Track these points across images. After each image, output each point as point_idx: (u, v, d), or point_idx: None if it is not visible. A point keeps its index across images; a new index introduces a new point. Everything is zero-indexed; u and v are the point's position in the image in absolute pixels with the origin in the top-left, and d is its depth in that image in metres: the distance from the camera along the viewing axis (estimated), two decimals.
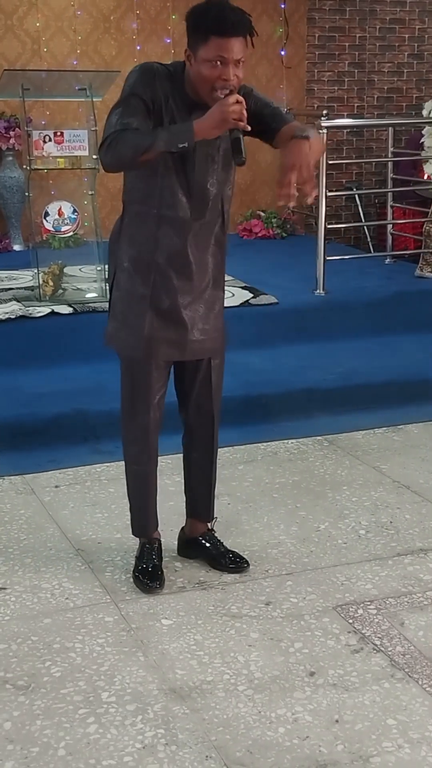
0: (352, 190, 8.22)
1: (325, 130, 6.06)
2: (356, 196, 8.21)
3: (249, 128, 2.78)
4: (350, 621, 3.06)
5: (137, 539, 3.37)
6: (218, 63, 2.77)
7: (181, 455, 3.44)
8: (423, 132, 6.63)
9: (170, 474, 3.91)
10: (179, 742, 2.49)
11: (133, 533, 3.37)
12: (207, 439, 3.35)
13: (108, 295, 3.21)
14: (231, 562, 3.37)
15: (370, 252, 7.77)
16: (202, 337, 3.13)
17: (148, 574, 3.25)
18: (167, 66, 2.96)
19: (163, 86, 2.88)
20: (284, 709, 2.63)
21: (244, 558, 3.39)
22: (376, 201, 8.40)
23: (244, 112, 2.74)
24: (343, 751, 2.47)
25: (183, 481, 3.45)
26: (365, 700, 2.67)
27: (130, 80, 2.90)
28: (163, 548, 3.37)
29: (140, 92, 2.85)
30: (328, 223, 6.27)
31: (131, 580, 3.28)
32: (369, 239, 8.23)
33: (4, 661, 2.84)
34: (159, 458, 3.31)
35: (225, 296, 3.27)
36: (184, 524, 3.49)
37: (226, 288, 3.27)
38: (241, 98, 2.76)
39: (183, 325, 3.08)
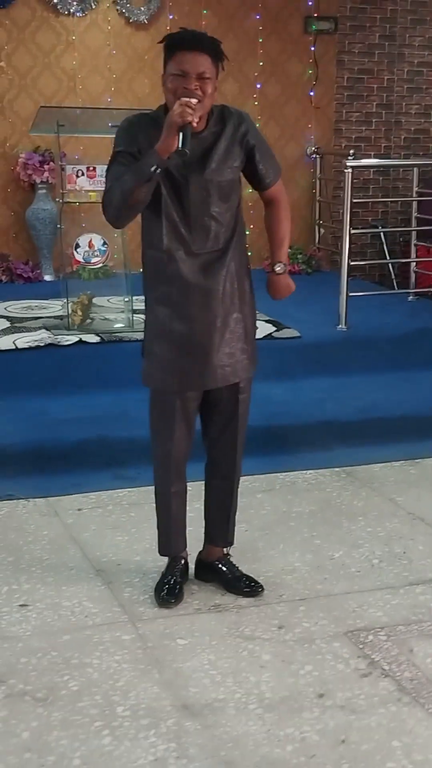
0: (377, 228, 8.35)
1: (350, 170, 6.22)
2: (381, 234, 8.34)
3: (196, 123, 2.93)
4: (360, 646, 3.14)
5: (162, 559, 3.50)
6: (181, 75, 2.96)
7: (202, 482, 3.55)
8: None
9: (189, 500, 4.00)
10: (190, 756, 2.58)
11: (159, 552, 3.49)
12: (228, 469, 3.46)
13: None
14: (246, 587, 3.47)
15: (394, 289, 7.89)
16: (226, 362, 3.23)
17: (166, 589, 3.38)
18: (149, 114, 3.17)
19: (144, 132, 3.07)
20: (293, 728, 2.71)
21: (258, 582, 3.49)
22: (401, 239, 8.53)
23: (186, 109, 2.88)
24: None
25: (203, 506, 3.55)
26: (372, 722, 2.74)
27: (114, 142, 3.13)
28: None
29: (123, 148, 3.08)
30: (352, 260, 6.40)
31: (150, 597, 3.40)
32: (393, 277, 8.34)
33: (24, 673, 2.95)
34: None
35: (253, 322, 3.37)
36: (201, 549, 3.59)
37: None
38: (184, 101, 2.89)
39: (204, 354, 3.19)
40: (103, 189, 3.14)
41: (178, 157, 2.96)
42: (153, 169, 2.93)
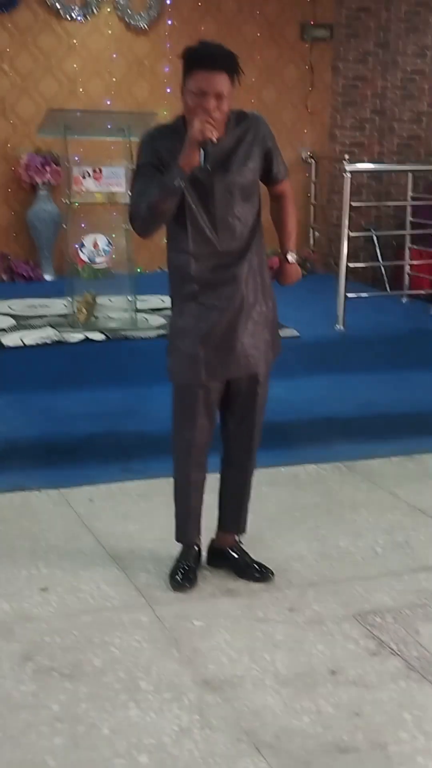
0: (370, 231, 8.51)
1: (348, 174, 6.38)
2: (374, 237, 8.50)
3: (215, 140, 3.07)
4: (368, 628, 3.29)
5: (175, 547, 3.63)
6: (200, 94, 3.09)
7: (215, 475, 3.67)
8: None
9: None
10: (213, 727, 2.72)
11: (175, 538, 3.62)
12: (244, 459, 3.61)
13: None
14: (257, 572, 3.62)
15: (387, 291, 8.05)
16: (250, 352, 3.39)
17: (180, 573, 3.53)
18: (167, 125, 3.32)
19: (164, 145, 3.22)
20: (308, 702, 2.86)
21: (269, 568, 3.63)
22: (394, 243, 8.70)
23: (207, 125, 3.04)
24: (363, 740, 2.69)
25: (218, 495, 3.69)
26: (383, 697, 2.89)
27: (137, 155, 3.29)
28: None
29: (146, 161, 3.23)
30: (349, 262, 6.55)
31: (165, 582, 3.54)
32: (386, 279, 8.50)
33: (50, 651, 3.09)
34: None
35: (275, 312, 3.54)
36: (213, 536, 3.73)
37: None
38: (203, 118, 3.05)
39: (229, 345, 3.35)
40: (130, 201, 3.27)
41: (199, 172, 3.13)
42: (177, 183, 3.09)
